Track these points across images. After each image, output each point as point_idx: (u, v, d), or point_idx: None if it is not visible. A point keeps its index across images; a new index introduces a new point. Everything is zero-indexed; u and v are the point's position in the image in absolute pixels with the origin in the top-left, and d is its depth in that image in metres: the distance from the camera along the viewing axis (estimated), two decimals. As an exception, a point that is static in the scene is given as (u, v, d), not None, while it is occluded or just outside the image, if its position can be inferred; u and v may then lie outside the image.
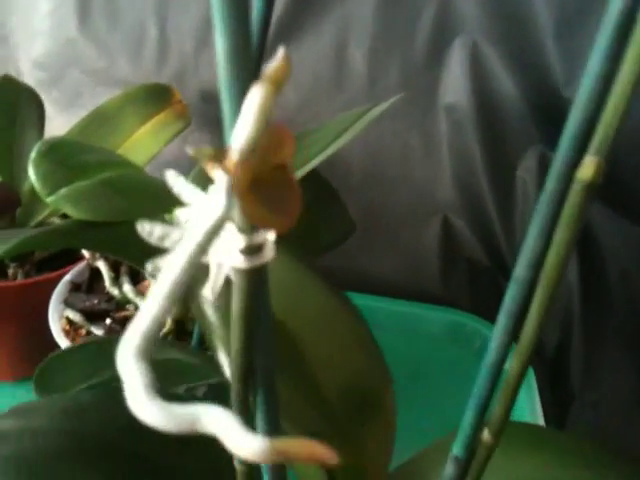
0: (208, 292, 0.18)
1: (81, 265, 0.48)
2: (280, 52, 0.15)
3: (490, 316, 0.64)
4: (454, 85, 0.62)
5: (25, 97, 0.59)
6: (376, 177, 0.67)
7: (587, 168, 0.15)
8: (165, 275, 0.14)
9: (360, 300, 0.65)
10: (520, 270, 0.18)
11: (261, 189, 0.14)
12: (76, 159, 0.31)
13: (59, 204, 0.29)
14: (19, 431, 0.27)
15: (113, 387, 0.31)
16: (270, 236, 0.17)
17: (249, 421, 0.20)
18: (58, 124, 0.69)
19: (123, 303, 0.46)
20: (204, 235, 0.15)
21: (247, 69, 0.15)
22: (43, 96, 0.66)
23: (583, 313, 0.58)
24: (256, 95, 0.14)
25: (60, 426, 0.27)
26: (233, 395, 0.20)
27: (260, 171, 0.14)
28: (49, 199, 0.29)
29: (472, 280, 0.66)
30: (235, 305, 0.18)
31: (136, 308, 0.45)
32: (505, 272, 0.64)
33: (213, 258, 0.17)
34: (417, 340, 0.63)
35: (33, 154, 0.31)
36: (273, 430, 0.20)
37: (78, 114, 0.64)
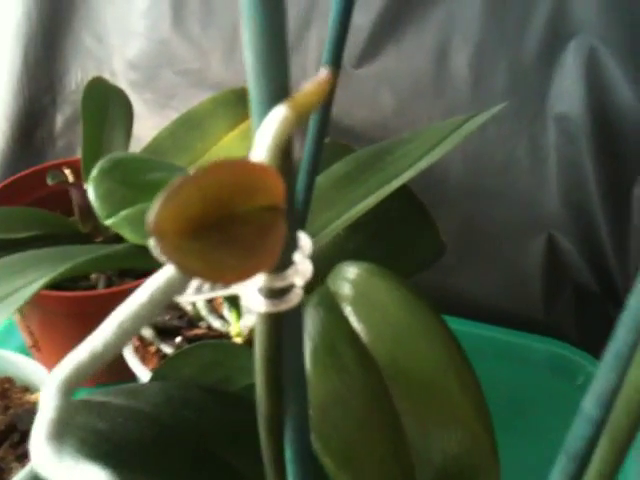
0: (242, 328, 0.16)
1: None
2: (321, 73, 0.12)
3: (596, 349, 0.58)
4: (566, 93, 0.57)
5: (115, 98, 0.58)
6: (475, 189, 0.62)
7: None
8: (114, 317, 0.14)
9: (452, 324, 0.61)
10: (636, 301, 0.14)
11: (225, 235, 0.11)
12: (140, 178, 0.29)
13: (118, 227, 0.28)
14: (119, 409, 0.27)
15: (220, 390, 0.31)
16: (297, 280, 0.14)
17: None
18: (150, 125, 0.68)
19: (196, 320, 0.44)
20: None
21: (279, 83, 0.12)
22: (136, 97, 0.66)
23: None
24: (274, 119, 0.11)
25: (158, 414, 0.28)
26: (263, 449, 0.17)
27: (237, 211, 0.11)
28: (108, 222, 0.28)
29: (578, 307, 0.60)
30: (257, 348, 0.16)
31: (208, 326, 0.43)
32: (616, 300, 0.58)
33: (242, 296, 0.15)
34: (514, 371, 0.58)
35: (95, 172, 0.29)
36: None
37: (170, 116, 0.63)
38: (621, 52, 0.54)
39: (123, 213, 0.28)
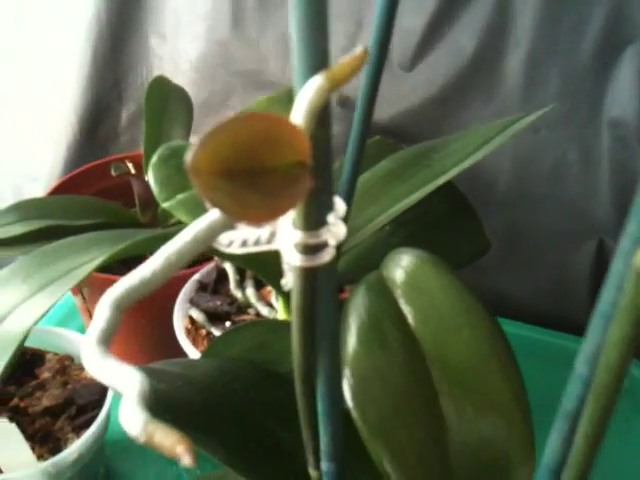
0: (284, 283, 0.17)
1: (210, 266, 0.49)
2: (357, 49, 0.14)
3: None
4: (622, 98, 0.56)
5: (175, 96, 0.61)
6: (525, 192, 0.62)
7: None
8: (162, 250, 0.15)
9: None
10: (619, 263, 0.14)
11: (253, 180, 0.12)
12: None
13: (174, 210, 0.29)
14: (176, 375, 0.29)
15: (267, 369, 0.32)
16: (333, 236, 0.15)
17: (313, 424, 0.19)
18: (209, 122, 0.71)
19: (245, 307, 0.45)
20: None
21: (319, 56, 0.14)
22: (194, 96, 0.69)
23: None
24: (310, 87, 0.13)
25: (211, 383, 0.29)
26: (299, 408, 0.19)
27: (266, 162, 0.12)
28: (165, 204, 0.29)
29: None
30: (293, 303, 0.17)
31: (257, 313, 0.45)
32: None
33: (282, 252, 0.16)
34: (557, 374, 0.57)
35: (155, 158, 0.31)
36: (334, 437, 0.18)
37: (227, 114, 0.66)
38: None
39: (179, 197, 0.30)
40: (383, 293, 0.27)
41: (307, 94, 0.13)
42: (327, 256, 0.15)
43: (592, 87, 0.58)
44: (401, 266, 0.28)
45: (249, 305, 0.45)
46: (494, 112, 0.60)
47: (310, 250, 0.15)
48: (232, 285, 0.46)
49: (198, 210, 0.31)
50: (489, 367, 0.27)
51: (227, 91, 0.70)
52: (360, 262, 0.44)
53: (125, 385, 0.13)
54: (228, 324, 0.44)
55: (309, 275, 0.16)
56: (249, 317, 0.45)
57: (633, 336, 0.13)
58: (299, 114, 0.13)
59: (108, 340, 0.14)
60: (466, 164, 0.43)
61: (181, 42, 0.69)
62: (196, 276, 0.48)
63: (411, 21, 0.60)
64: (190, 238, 0.14)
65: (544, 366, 0.57)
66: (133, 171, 0.58)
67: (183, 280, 0.48)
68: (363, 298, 0.27)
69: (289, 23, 0.14)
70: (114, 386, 0.13)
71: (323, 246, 0.15)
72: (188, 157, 0.11)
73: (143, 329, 0.52)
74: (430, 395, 0.26)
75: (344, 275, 0.43)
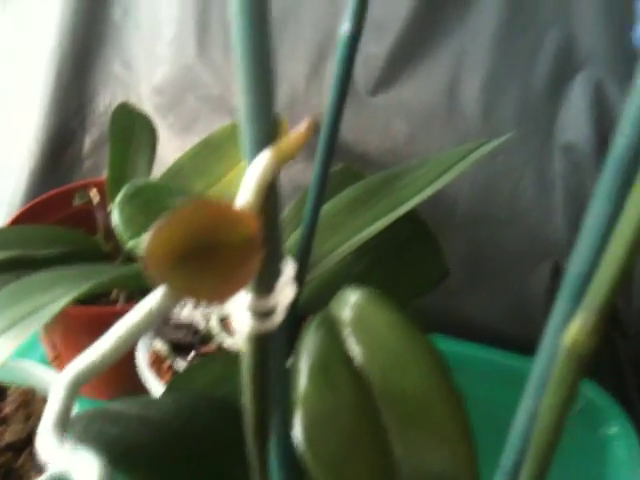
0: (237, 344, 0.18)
1: (174, 294, 0.49)
2: (305, 122, 0.15)
3: (600, 373, 0.59)
4: (575, 123, 0.58)
5: (140, 123, 0.61)
6: (483, 216, 0.64)
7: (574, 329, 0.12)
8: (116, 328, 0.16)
9: (456, 347, 0.62)
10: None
11: (207, 262, 0.13)
12: (158, 204, 0.32)
13: (138, 249, 0.30)
14: (132, 417, 0.29)
15: (228, 403, 0.32)
16: (282, 301, 0.16)
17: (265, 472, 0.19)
18: (173, 147, 0.71)
19: (208, 338, 0.46)
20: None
21: (266, 131, 0.15)
22: (160, 121, 0.69)
23: None
24: (259, 164, 0.14)
25: (168, 422, 0.29)
26: (250, 455, 0.19)
27: (218, 241, 0.13)
28: (129, 243, 0.30)
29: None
30: (244, 364, 0.18)
31: (220, 343, 0.45)
32: (621, 329, 0.59)
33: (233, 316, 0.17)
34: (514, 393, 0.58)
35: (119, 198, 0.31)
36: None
37: (192, 139, 0.66)
38: (627, 84, 0.55)
39: (143, 236, 0.30)
40: (332, 333, 0.28)
41: (255, 171, 0.14)
42: (278, 318, 0.16)
43: (547, 112, 0.59)
44: (348, 305, 0.29)
45: (213, 336, 0.46)
46: (455, 137, 0.62)
47: (262, 314, 0.16)
48: (196, 316, 0.47)
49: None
50: (434, 402, 0.28)
51: (193, 116, 0.70)
52: (323, 291, 0.44)
53: (82, 474, 0.13)
54: (192, 355, 0.45)
55: (261, 338, 0.16)
56: (213, 348, 0.45)
57: (564, 406, 0.14)
58: (248, 190, 0.14)
59: (65, 423, 0.14)
60: (427, 193, 0.44)
61: (146, 68, 0.69)
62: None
63: (375, 47, 0.61)
64: (141, 315, 0.15)
65: (505, 388, 0.59)
66: (97, 199, 0.58)
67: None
68: (313, 338, 0.28)
69: (238, 100, 0.15)
70: (71, 474, 0.13)
71: (274, 309, 0.16)
72: (144, 246, 0.12)
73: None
74: (379, 432, 0.27)
75: (307, 305, 0.43)
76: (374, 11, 0.60)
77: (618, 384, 0.59)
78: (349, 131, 0.65)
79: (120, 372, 0.52)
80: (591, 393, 0.56)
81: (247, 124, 0.14)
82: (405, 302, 0.47)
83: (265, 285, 0.15)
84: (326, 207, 0.46)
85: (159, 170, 0.61)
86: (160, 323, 0.48)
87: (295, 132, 0.14)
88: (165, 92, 0.70)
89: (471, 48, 0.60)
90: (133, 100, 0.69)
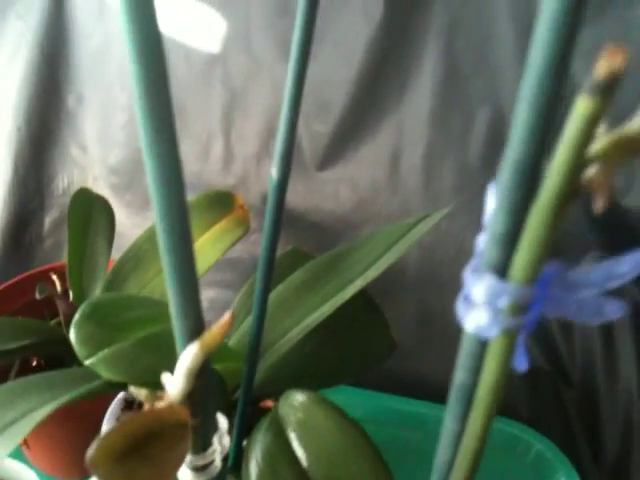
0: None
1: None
2: (225, 317, 0.17)
3: (547, 427, 0.62)
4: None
5: (98, 208, 0.63)
6: (431, 277, 0.67)
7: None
8: None
9: (414, 406, 0.64)
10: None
11: (143, 457, 0.15)
12: (117, 318, 0.34)
13: (96, 367, 0.32)
14: None
15: None
16: (217, 456, 0.18)
17: None
18: (131, 224, 0.74)
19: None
20: None
21: (193, 327, 0.17)
22: (117, 199, 0.72)
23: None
24: (188, 354, 0.16)
25: None
26: None
27: (153, 438, 0.15)
28: (87, 362, 0.32)
29: (529, 386, 0.64)
30: None
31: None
32: (567, 380, 0.62)
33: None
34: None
35: (76, 317, 0.33)
36: None
37: (149, 215, 0.69)
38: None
39: (100, 355, 0.32)
40: (278, 434, 0.30)
41: (185, 360, 0.17)
42: (215, 470, 0.18)
43: (483, 180, 0.63)
44: (293, 406, 0.31)
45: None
46: (399, 205, 0.66)
47: (200, 468, 0.18)
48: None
49: (118, 366, 0.34)
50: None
51: (149, 194, 0.73)
52: (275, 373, 0.47)
53: None
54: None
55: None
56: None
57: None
58: (180, 376, 0.17)
59: None
60: (371, 274, 0.47)
61: (101, 150, 0.72)
62: (121, 395, 0.50)
63: (320, 127, 0.65)
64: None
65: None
66: (58, 287, 0.60)
67: (109, 399, 0.50)
68: (261, 439, 0.30)
69: (168, 295, 0.18)
70: None
71: (212, 461, 0.19)
72: (88, 454, 0.15)
73: (73, 446, 0.54)
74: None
75: (262, 387, 0.46)
76: (319, 93, 0.64)
77: (566, 435, 0.62)
78: (301, 202, 0.68)
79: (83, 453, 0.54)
80: (540, 445, 0.59)
81: (177, 321, 0.17)
82: (360, 376, 0.50)
83: (201, 444, 0.18)
84: (277, 290, 0.49)
85: (118, 246, 0.63)
86: (120, 410, 0.50)
87: (217, 326, 0.17)
88: (120, 172, 0.72)
89: (410, 123, 0.64)
90: (90, 180, 0.72)
